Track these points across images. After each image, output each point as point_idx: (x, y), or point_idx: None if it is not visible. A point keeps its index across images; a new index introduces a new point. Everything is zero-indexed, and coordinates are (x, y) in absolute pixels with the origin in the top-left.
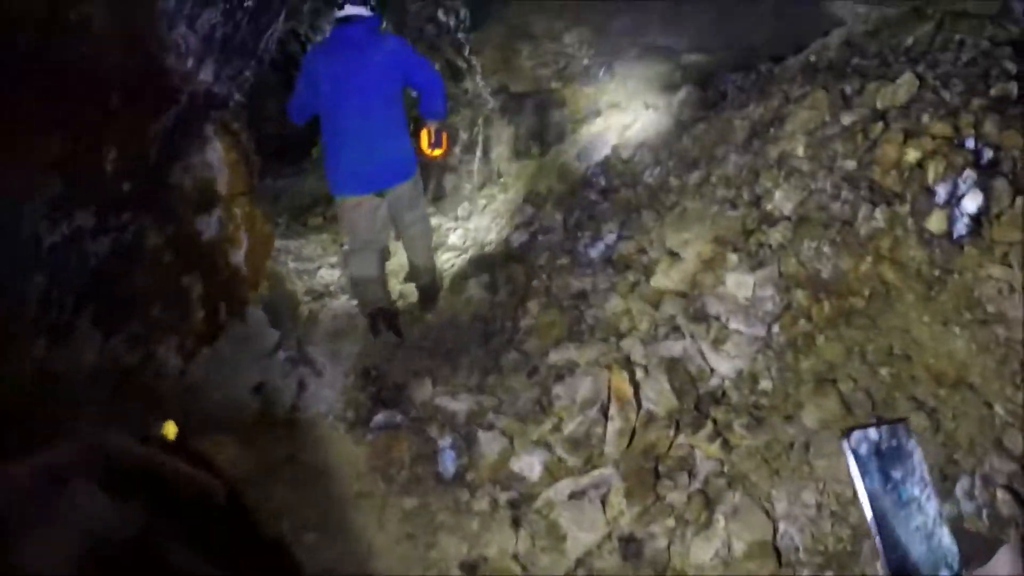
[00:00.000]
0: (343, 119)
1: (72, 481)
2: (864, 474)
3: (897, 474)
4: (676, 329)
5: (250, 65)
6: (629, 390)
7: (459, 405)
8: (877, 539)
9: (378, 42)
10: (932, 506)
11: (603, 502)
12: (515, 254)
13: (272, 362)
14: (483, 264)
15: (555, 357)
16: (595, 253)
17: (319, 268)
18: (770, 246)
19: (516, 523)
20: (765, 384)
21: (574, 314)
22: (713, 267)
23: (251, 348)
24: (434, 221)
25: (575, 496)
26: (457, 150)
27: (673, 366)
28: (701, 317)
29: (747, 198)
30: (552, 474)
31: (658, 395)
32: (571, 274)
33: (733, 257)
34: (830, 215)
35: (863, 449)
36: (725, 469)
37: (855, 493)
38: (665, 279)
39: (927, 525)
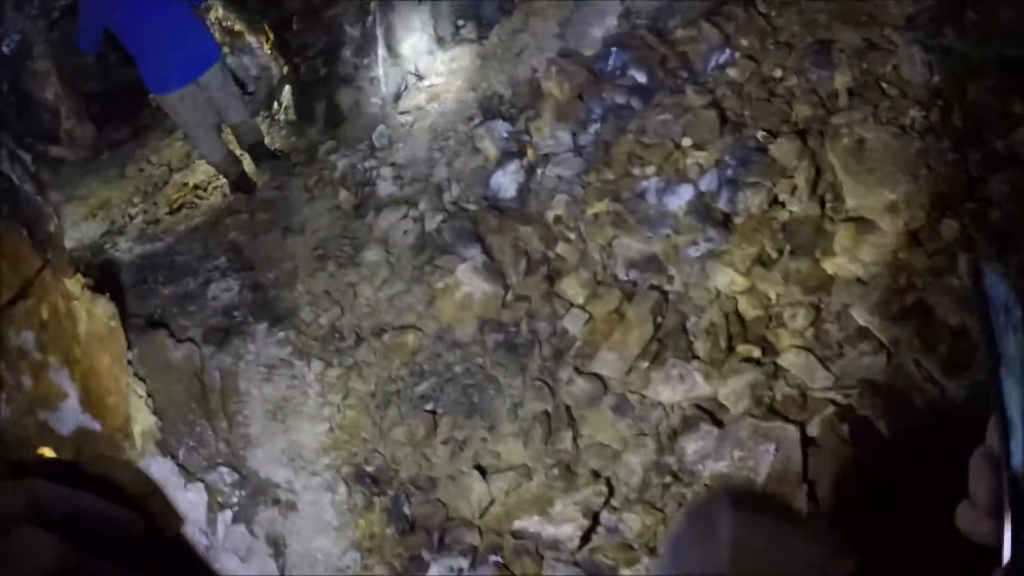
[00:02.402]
0: (142, 28)
1: (15, 529)
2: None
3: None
4: (864, 335)
5: None
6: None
7: (562, 529)
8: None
9: None
10: None
11: None
12: (509, 207)
13: (215, 537)
14: (463, 231)
15: (668, 393)
16: (675, 202)
17: (208, 283)
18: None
19: None
20: None
21: (650, 298)
22: (924, 240)
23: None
24: (341, 163)
25: None
26: (347, 53)
27: (888, 402)
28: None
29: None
30: None
31: None
32: (620, 228)
33: (953, 226)
34: None
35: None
36: None
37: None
38: (847, 260)
39: None
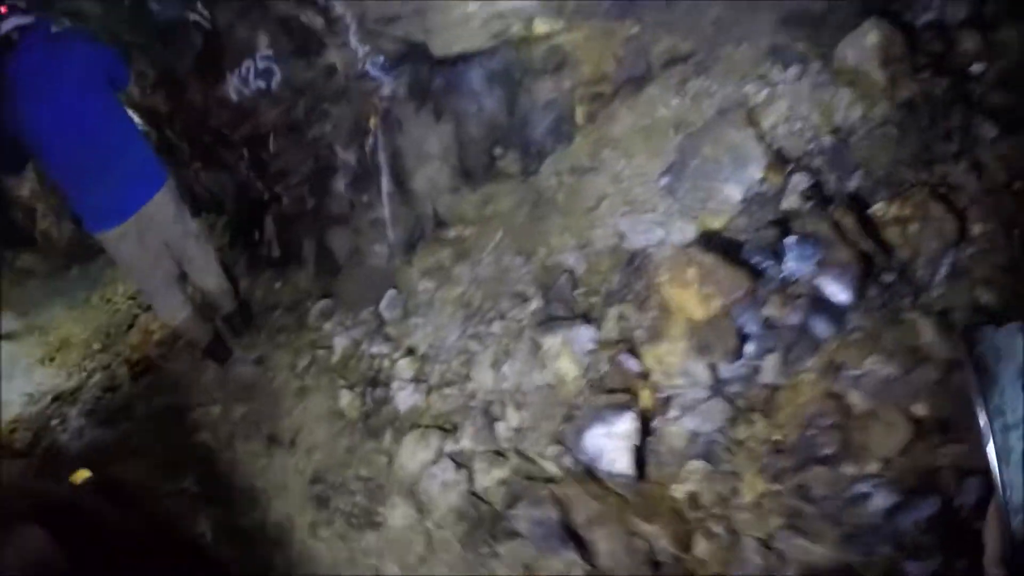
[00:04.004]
0: (63, 152)
1: (15, 523)
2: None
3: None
4: None
5: None
6: None
7: None
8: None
9: (63, 52)
10: None
11: None
12: (618, 479)
13: None
14: (544, 522)
15: None
16: (909, 518)
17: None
18: None
19: None
20: None
21: None
22: None
23: None
24: (340, 340)
25: None
26: (339, 184)
27: None
28: None
29: None
30: None
31: None
32: (796, 526)
33: None
34: None
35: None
36: None
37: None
38: None
39: None
